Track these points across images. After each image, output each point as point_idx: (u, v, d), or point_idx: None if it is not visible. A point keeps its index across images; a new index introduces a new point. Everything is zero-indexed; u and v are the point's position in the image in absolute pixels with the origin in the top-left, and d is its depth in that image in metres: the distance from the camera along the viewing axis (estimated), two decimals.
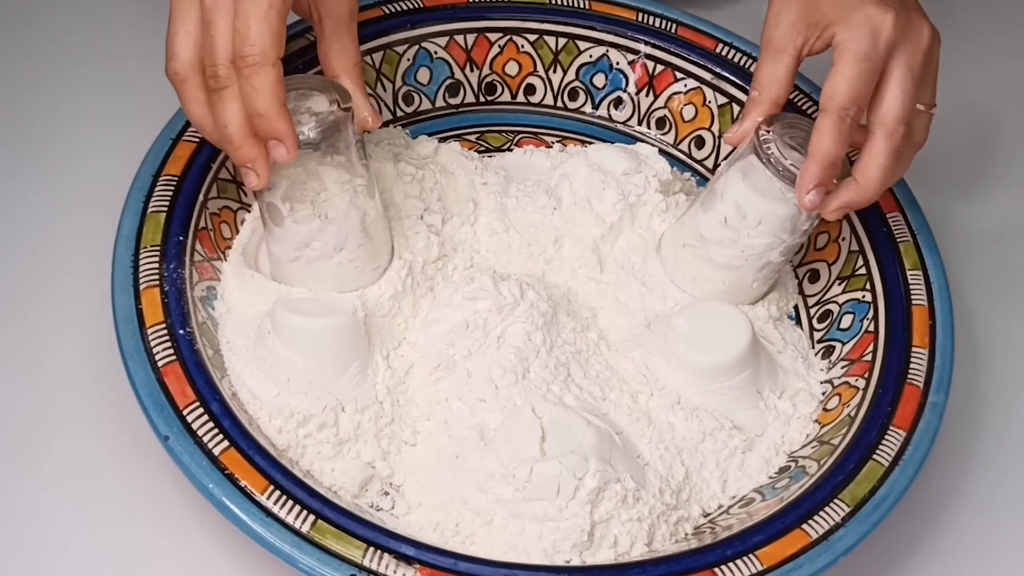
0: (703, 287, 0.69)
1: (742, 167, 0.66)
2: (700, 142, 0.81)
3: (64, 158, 0.78)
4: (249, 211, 0.70)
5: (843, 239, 0.73)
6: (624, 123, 0.82)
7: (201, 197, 0.67)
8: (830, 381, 0.69)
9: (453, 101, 0.81)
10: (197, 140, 0.68)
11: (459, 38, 0.79)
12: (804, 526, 0.59)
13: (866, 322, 0.69)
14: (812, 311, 0.74)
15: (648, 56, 0.81)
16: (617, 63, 0.81)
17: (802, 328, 0.73)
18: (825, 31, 0.64)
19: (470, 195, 0.73)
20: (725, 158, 0.79)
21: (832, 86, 0.62)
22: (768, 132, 0.65)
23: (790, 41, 0.65)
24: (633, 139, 0.81)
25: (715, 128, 0.80)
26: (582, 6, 0.81)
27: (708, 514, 0.64)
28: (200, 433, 0.57)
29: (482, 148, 0.80)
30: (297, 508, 0.56)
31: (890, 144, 0.63)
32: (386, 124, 0.78)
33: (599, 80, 0.82)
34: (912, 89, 0.63)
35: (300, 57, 0.73)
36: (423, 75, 0.79)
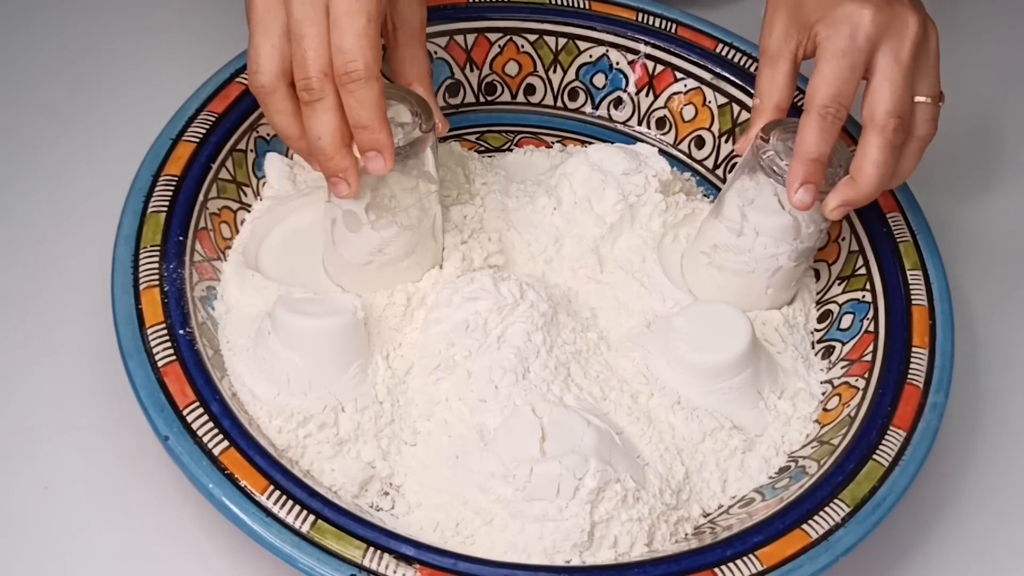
0: (719, 295, 0.69)
1: (745, 174, 0.66)
2: (700, 142, 0.81)
3: (64, 158, 0.78)
4: (249, 211, 0.70)
5: (843, 239, 0.73)
6: (624, 123, 0.82)
7: (201, 197, 0.67)
8: (830, 381, 0.69)
9: (453, 101, 0.81)
10: (197, 140, 0.68)
11: (459, 38, 0.79)
12: (804, 526, 0.59)
13: (866, 322, 0.69)
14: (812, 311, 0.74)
15: (648, 56, 0.81)
16: (617, 63, 0.81)
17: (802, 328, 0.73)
18: (811, 31, 0.65)
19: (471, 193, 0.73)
20: (725, 158, 0.80)
21: (812, 85, 0.63)
22: (765, 138, 0.65)
23: (784, 46, 0.66)
24: (633, 139, 0.81)
25: (715, 128, 0.80)
26: (582, 6, 0.81)
27: (708, 514, 0.64)
28: (200, 433, 0.57)
29: (482, 148, 0.80)
30: (297, 508, 0.56)
31: (882, 138, 0.63)
32: None
33: (599, 80, 0.82)
34: (902, 81, 0.63)
35: None
36: None
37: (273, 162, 0.72)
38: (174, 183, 0.67)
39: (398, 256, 0.65)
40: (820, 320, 0.73)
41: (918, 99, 0.65)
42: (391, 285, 0.67)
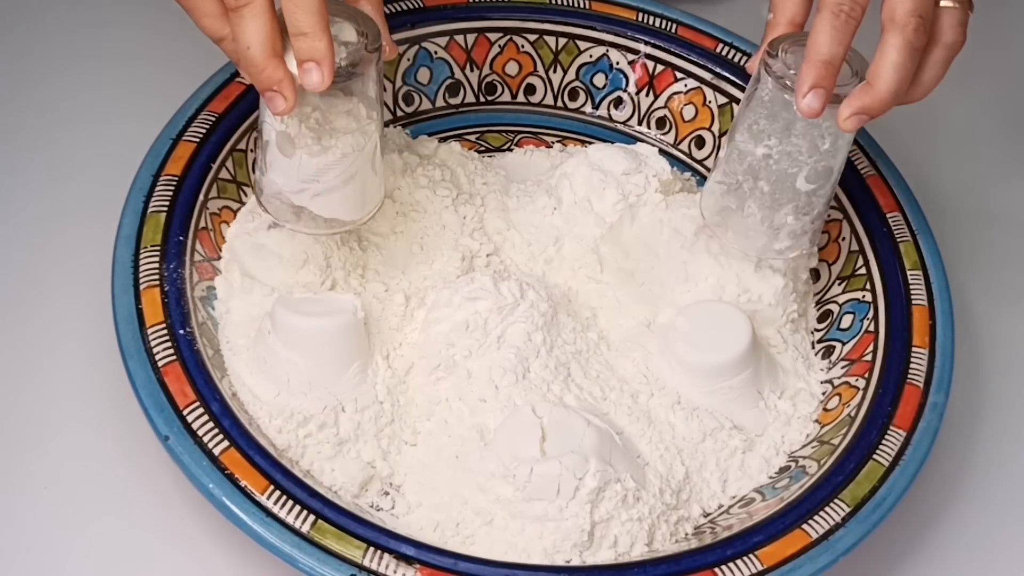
0: (738, 238, 0.67)
1: (755, 93, 0.64)
2: (700, 142, 0.81)
3: (64, 158, 0.78)
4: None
5: (843, 239, 0.74)
6: (624, 123, 0.82)
7: (201, 197, 0.67)
8: (830, 381, 0.69)
9: (453, 101, 0.81)
10: (197, 140, 0.68)
11: (459, 38, 0.79)
12: (804, 526, 0.59)
13: (866, 322, 0.69)
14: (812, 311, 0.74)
15: (648, 56, 0.81)
16: (617, 63, 0.81)
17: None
18: None
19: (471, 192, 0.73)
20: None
21: None
22: (773, 53, 0.62)
23: None
24: (633, 139, 0.81)
25: (715, 128, 0.80)
26: (582, 6, 0.81)
27: (708, 514, 0.64)
28: (200, 433, 0.57)
29: (482, 148, 0.80)
30: (297, 508, 0.56)
31: (900, 38, 0.58)
32: (386, 124, 0.78)
33: (599, 80, 0.82)
34: None
35: None
36: (423, 75, 0.79)
37: None
38: (174, 183, 0.67)
39: (333, 187, 0.61)
40: (820, 320, 0.73)
41: (943, 3, 0.61)
42: (325, 218, 0.63)
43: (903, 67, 0.59)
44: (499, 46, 0.80)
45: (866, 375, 0.67)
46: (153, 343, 0.60)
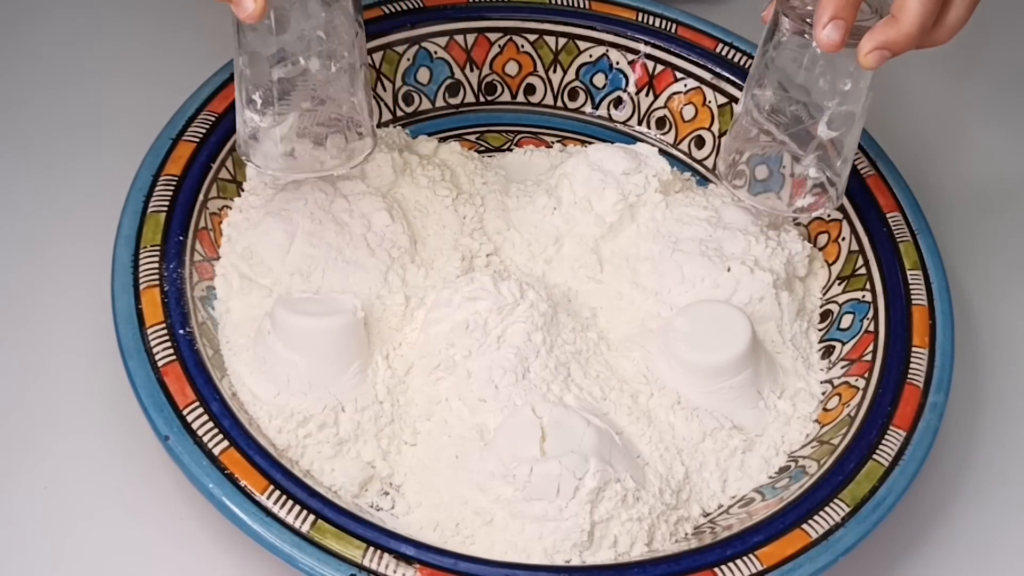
0: (756, 196, 0.65)
1: (771, 39, 0.63)
2: (700, 142, 0.81)
3: (64, 158, 0.78)
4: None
5: (843, 239, 0.74)
6: (624, 123, 0.82)
7: (201, 197, 0.67)
8: (830, 381, 0.69)
9: (453, 101, 0.81)
10: (197, 140, 0.68)
11: (459, 38, 0.79)
12: (804, 526, 0.59)
13: (866, 322, 0.69)
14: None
15: (648, 56, 0.81)
16: (617, 63, 0.81)
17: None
18: None
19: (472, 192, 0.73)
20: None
21: None
22: None
23: None
24: (633, 139, 0.81)
25: (715, 128, 0.80)
26: (582, 6, 0.81)
27: (708, 514, 0.64)
28: (200, 433, 0.57)
29: (482, 148, 0.80)
30: (297, 508, 0.56)
31: None
32: (386, 124, 0.78)
33: (599, 80, 0.82)
34: None
35: None
36: (423, 75, 0.79)
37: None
38: (174, 183, 0.67)
39: (307, 106, 0.60)
40: (820, 320, 0.73)
41: None
42: (309, 163, 0.62)
43: (929, 1, 0.56)
44: (499, 46, 0.80)
45: (866, 375, 0.67)
46: (153, 343, 0.60)
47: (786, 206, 0.66)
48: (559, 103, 0.82)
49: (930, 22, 0.57)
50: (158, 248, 0.64)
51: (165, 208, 0.65)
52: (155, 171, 0.67)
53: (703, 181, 0.80)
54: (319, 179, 0.68)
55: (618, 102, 0.82)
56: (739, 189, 0.66)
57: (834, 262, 0.74)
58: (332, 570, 0.54)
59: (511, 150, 0.80)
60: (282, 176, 0.63)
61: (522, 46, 0.81)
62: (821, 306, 0.73)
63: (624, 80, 0.82)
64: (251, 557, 0.60)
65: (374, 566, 0.54)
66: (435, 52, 0.79)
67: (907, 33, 0.57)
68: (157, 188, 0.66)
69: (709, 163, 0.80)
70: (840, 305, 0.72)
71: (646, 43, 0.81)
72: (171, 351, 0.60)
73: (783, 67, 0.62)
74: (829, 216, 0.69)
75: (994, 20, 0.98)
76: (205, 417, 0.58)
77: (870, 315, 0.69)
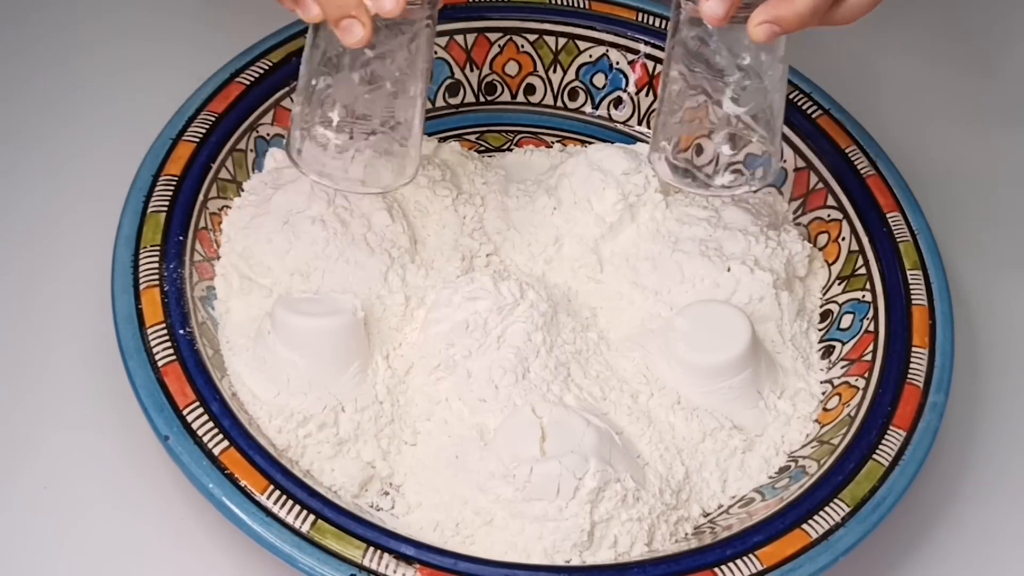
0: (678, 177, 0.65)
1: (676, 19, 0.62)
2: None
3: (64, 158, 0.78)
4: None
5: (843, 239, 0.74)
6: (624, 123, 0.82)
7: (201, 197, 0.67)
8: (830, 381, 0.69)
9: (453, 101, 0.81)
10: (197, 140, 0.68)
11: (459, 38, 0.79)
12: (804, 526, 0.59)
13: (866, 322, 0.69)
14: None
15: (648, 56, 0.81)
16: (617, 63, 0.81)
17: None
18: None
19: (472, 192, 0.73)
20: None
21: None
22: None
23: None
24: (633, 139, 0.81)
25: None
26: (582, 6, 0.81)
27: (708, 514, 0.64)
28: (200, 433, 0.57)
29: (482, 148, 0.80)
30: (297, 508, 0.56)
31: None
32: None
33: (599, 80, 0.82)
34: None
35: None
36: None
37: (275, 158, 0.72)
38: (174, 183, 0.67)
39: (376, 128, 0.61)
40: (820, 320, 0.73)
41: None
42: (368, 176, 0.63)
43: None
44: (499, 46, 0.80)
45: (866, 375, 0.67)
46: (153, 343, 0.60)
47: (705, 186, 0.64)
48: (559, 103, 0.82)
49: (824, 3, 0.57)
50: (158, 248, 0.64)
51: (165, 208, 0.65)
52: (155, 171, 0.67)
53: None
54: (319, 179, 0.68)
55: (618, 102, 0.82)
56: (663, 173, 0.65)
57: (834, 262, 0.74)
58: (332, 570, 0.54)
59: (511, 150, 0.80)
60: (330, 187, 0.64)
61: (522, 46, 0.81)
62: (821, 306, 0.73)
63: (624, 80, 0.82)
64: (251, 557, 0.60)
65: (374, 566, 0.54)
66: (435, 52, 0.79)
67: (798, 13, 0.56)
68: (157, 188, 0.66)
69: None
70: (840, 305, 0.72)
71: (646, 43, 0.81)
72: (171, 351, 0.60)
73: (683, 45, 0.62)
74: (756, 190, 0.67)
75: (995, 20, 0.98)
76: (205, 417, 0.58)
77: (870, 315, 0.69)
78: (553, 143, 0.81)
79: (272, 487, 0.56)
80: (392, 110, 0.62)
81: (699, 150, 0.64)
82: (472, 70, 0.81)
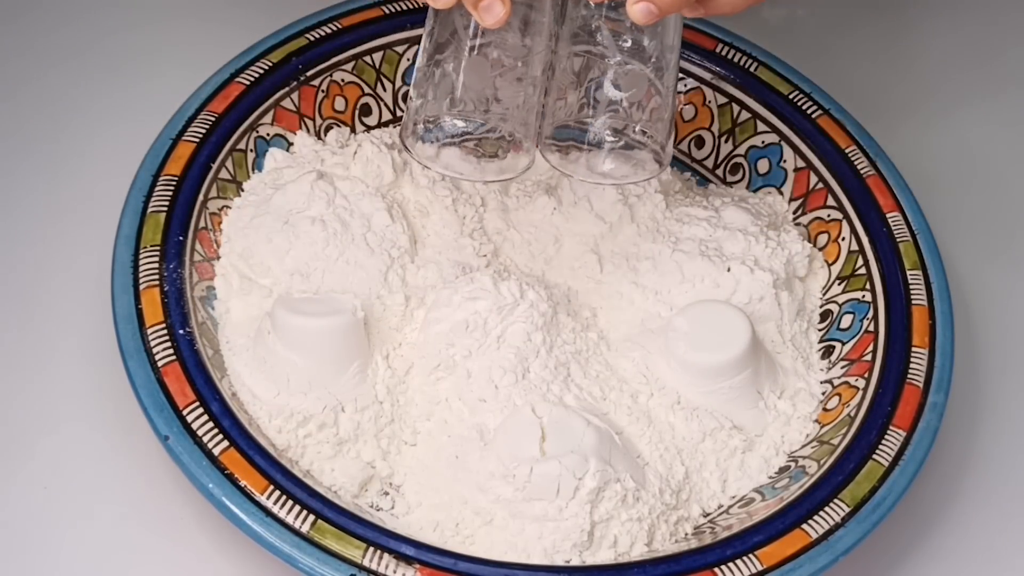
0: (565, 163, 0.63)
1: None
2: (700, 142, 0.81)
3: (64, 158, 0.78)
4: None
5: (843, 239, 0.74)
6: None
7: (201, 197, 0.67)
8: (830, 381, 0.69)
9: None
10: (197, 140, 0.68)
11: None
12: (804, 526, 0.59)
13: (866, 322, 0.69)
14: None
15: None
16: None
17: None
18: None
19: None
20: (725, 158, 0.79)
21: None
22: None
23: None
24: None
25: (715, 128, 0.80)
26: None
27: (708, 514, 0.64)
28: (200, 433, 0.57)
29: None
30: (297, 508, 0.56)
31: None
32: (386, 124, 0.78)
33: None
34: None
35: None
36: None
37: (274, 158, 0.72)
38: (174, 183, 0.67)
39: (507, 107, 0.59)
40: (820, 320, 0.73)
41: None
42: (470, 168, 0.62)
43: None
44: None
45: (866, 375, 0.67)
46: (153, 343, 0.60)
47: (590, 174, 0.63)
48: None
49: None
50: (158, 248, 0.64)
51: (165, 208, 0.65)
52: (155, 171, 0.67)
53: (703, 181, 0.80)
54: (318, 179, 0.68)
55: None
56: (549, 153, 0.64)
57: (834, 262, 0.74)
58: (332, 570, 0.54)
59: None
60: (441, 172, 0.63)
61: None
62: (821, 306, 0.73)
63: None
64: (251, 557, 0.60)
65: (374, 566, 0.54)
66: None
67: None
68: (157, 188, 0.66)
69: (709, 163, 0.80)
70: (840, 305, 0.72)
71: None
72: (171, 351, 0.60)
73: (569, 24, 0.61)
74: (641, 181, 0.65)
75: (995, 20, 0.98)
76: (205, 417, 0.58)
77: (870, 315, 0.69)
78: None
79: (272, 487, 0.56)
80: (519, 92, 0.60)
81: (583, 134, 0.62)
82: None
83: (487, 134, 0.61)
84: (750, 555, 0.57)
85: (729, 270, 0.69)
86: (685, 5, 0.57)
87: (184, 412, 0.58)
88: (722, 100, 0.80)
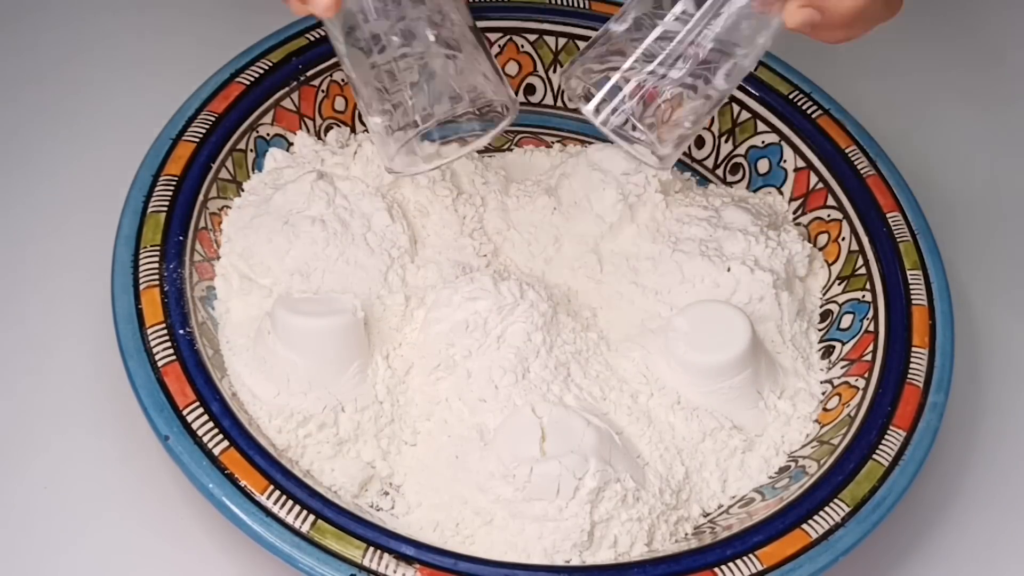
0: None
1: None
2: (700, 142, 0.81)
3: (64, 158, 0.78)
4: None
5: (843, 239, 0.74)
6: None
7: (201, 197, 0.67)
8: (830, 381, 0.69)
9: None
10: (197, 140, 0.68)
11: None
12: (804, 526, 0.59)
13: (866, 322, 0.69)
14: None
15: None
16: None
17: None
18: None
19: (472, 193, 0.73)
20: (725, 158, 0.79)
21: None
22: None
23: None
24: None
25: (715, 128, 0.80)
26: (582, 6, 0.81)
27: (708, 514, 0.64)
28: (200, 433, 0.57)
29: (482, 148, 0.79)
30: (297, 508, 0.56)
31: None
32: None
33: None
34: None
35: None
36: None
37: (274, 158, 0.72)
38: (174, 183, 0.67)
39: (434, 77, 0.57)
40: (820, 320, 0.73)
41: None
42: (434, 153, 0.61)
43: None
44: (499, 46, 0.80)
45: (866, 375, 0.67)
46: (153, 343, 0.60)
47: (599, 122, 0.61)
48: (559, 103, 0.82)
49: (861, 17, 0.56)
50: (158, 248, 0.64)
51: (165, 208, 0.65)
52: (155, 171, 0.67)
53: (703, 181, 0.80)
54: (318, 179, 0.68)
55: None
56: (577, 81, 0.62)
57: (834, 262, 0.74)
58: (332, 570, 0.54)
59: (511, 150, 0.80)
60: (412, 173, 0.62)
61: (522, 46, 0.81)
62: (821, 306, 0.73)
63: None
64: (251, 557, 0.60)
65: (374, 566, 0.54)
66: None
67: (841, 12, 0.55)
68: (157, 188, 0.66)
69: (709, 163, 0.80)
70: (840, 305, 0.72)
71: None
72: (171, 351, 0.60)
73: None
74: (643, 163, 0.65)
75: (995, 19, 0.98)
76: (205, 417, 0.58)
77: (870, 315, 0.69)
78: (553, 143, 0.81)
79: (272, 487, 0.56)
80: (423, 58, 0.58)
81: (645, 107, 0.60)
82: None
83: (468, 109, 0.60)
84: (750, 555, 0.57)
85: (729, 270, 0.69)
86: (836, 26, 0.55)
87: (184, 412, 0.58)
88: None
